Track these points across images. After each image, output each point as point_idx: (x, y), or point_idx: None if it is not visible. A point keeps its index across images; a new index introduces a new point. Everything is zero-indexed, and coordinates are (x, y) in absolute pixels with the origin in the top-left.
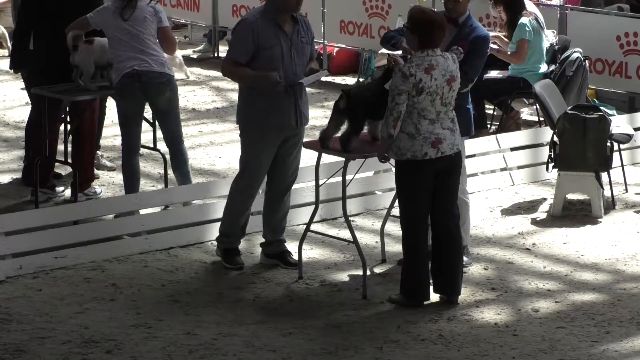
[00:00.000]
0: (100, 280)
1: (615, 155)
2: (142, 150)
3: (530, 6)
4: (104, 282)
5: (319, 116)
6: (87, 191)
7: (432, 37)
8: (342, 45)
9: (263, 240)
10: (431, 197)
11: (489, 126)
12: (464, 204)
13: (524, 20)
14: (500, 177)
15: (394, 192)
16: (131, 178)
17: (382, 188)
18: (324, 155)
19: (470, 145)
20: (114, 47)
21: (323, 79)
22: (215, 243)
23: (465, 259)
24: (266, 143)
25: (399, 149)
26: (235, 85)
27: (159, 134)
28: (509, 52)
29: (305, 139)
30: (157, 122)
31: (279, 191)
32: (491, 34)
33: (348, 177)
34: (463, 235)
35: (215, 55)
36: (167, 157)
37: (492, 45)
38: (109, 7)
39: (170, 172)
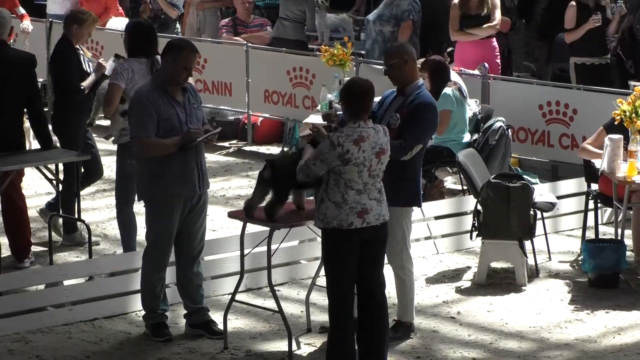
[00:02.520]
0: (24, 352)
1: (539, 223)
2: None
3: (453, 76)
4: (28, 353)
5: (243, 186)
6: (27, 260)
7: (360, 107)
8: (267, 115)
9: (185, 311)
10: (358, 266)
11: None
12: (400, 281)
13: (447, 90)
14: (424, 245)
15: (319, 262)
16: (129, 230)
17: (307, 257)
18: (248, 224)
19: None
20: None
21: (248, 148)
22: (140, 315)
23: (411, 335)
24: (174, 215)
25: (326, 216)
26: None
27: (83, 204)
28: None
29: (229, 209)
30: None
31: (190, 259)
32: None
33: (273, 247)
34: (402, 312)
35: None
36: (92, 227)
37: None
38: (132, 69)
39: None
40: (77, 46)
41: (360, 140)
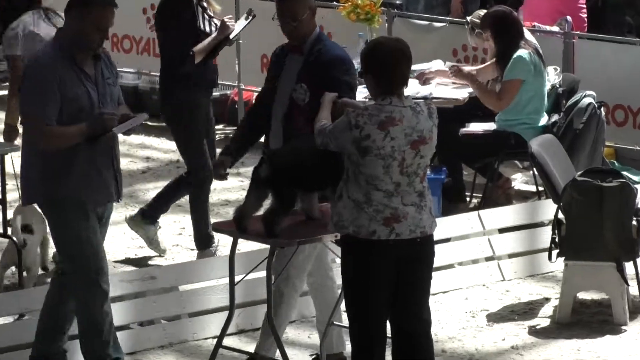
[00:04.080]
0: None
1: None
2: None
3: (526, 34)
4: None
5: (233, 187)
6: None
7: (391, 77)
8: None
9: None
10: (392, 296)
11: (468, 199)
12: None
13: (522, 52)
14: (484, 269)
15: (338, 291)
16: None
17: None
18: (240, 241)
19: (444, 225)
20: None
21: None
22: None
23: None
24: (90, 217)
25: (340, 218)
26: None
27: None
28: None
29: (214, 220)
30: None
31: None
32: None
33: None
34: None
35: None
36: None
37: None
38: (25, 26)
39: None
40: None
41: (388, 124)
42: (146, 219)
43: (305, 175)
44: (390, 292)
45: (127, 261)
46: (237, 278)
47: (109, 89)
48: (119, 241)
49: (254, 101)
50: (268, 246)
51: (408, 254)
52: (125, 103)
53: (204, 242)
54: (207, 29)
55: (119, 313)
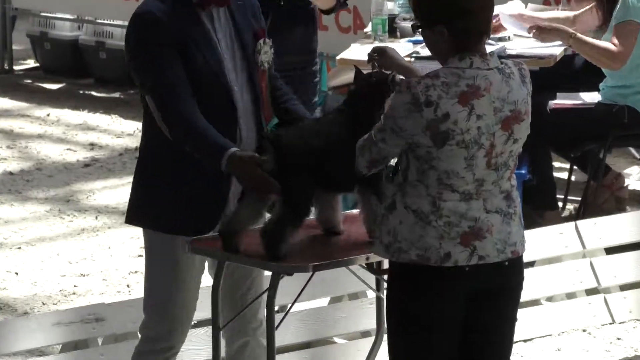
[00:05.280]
0: None
1: None
2: None
3: None
4: None
5: None
6: None
7: (475, 27)
8: None
9: None
10: (461, 343)
11: (561, 205)
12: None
13: None
14: (586, 306)
15: (371, 340)
16: None
17: (349, 332)
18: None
19: (527, 243)
20: None
21: None
22: None
23: None
24: None
25: (396, 239)
26: (34, 129)
27: None
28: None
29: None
30: None
31: None
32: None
33: (280, 310)
34: None
35: (6, 67)
36: None
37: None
38: None
39: None
40: None
41: (473, 95)
42: None
43: (324, 168)
44: (457, 340)
45: (63, 295)
46: (223, 319)
47: None
48: (52, 266)
49: (176, 88)
50: (269, 274)
51: (489, 284)
52: (61, 62)
53: None
54: None
55: None
